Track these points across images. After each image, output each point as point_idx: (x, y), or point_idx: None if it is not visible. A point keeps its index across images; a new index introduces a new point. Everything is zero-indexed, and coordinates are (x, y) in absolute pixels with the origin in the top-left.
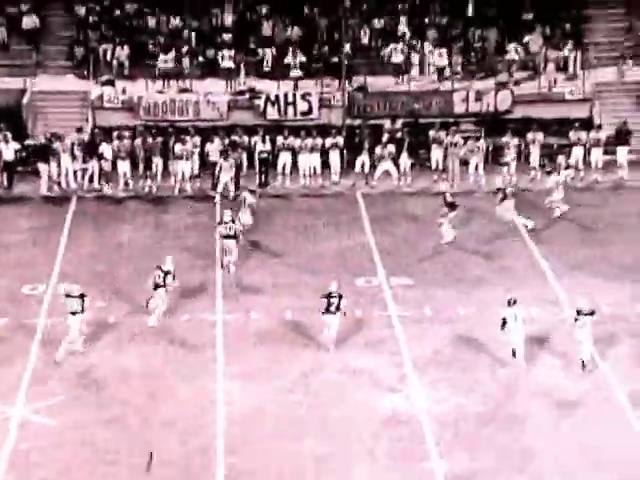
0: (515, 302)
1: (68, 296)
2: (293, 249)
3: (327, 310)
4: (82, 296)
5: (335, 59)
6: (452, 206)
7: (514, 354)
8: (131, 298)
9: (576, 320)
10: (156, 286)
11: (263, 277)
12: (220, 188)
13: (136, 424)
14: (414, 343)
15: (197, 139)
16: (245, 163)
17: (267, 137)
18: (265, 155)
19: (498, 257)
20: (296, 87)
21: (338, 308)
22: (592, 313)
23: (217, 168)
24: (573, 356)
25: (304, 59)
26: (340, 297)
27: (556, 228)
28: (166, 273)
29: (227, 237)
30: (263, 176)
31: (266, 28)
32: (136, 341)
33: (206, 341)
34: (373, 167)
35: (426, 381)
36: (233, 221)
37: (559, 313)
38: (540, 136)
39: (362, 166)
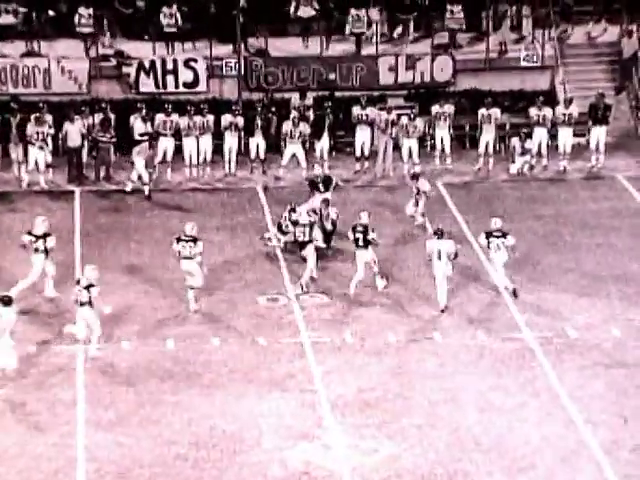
0: (442, 234)
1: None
2: (175, 260)
3: (356, 245)
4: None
5: (227, 16)
6: None
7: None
8: None
9: (488, 244)
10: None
11: (138, 296)
12: (135, 176)
13: None
14: (333, 378)
15: (49, 117)
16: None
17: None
18: (146, 138)
19: None
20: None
21: (367, 242)
22: (504, 235)
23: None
24: (530, 400)
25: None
26: (365, 231)
27: (514, 230)
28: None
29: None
30: None
31: None
32: None
33: (62, 380)
34: (278, 152)
35: (348, 427)
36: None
37: (519, 340)
38: (497, 113)
39: (257, 150)
